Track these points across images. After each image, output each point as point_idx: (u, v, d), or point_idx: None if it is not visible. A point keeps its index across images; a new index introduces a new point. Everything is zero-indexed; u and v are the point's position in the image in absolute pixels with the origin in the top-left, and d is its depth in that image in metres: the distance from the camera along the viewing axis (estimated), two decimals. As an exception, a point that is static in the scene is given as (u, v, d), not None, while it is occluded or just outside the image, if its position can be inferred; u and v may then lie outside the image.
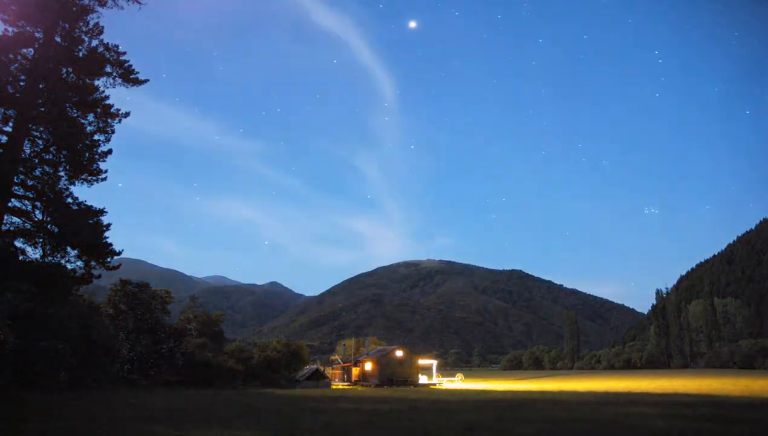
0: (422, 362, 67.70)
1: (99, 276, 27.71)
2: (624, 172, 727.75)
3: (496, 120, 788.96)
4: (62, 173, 25.83)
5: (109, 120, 26.79)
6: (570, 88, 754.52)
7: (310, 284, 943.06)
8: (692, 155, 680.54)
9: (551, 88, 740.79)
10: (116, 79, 27.07)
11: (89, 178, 26.28)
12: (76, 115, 26.18)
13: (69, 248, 25.65)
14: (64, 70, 25.90)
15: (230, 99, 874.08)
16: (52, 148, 25.42)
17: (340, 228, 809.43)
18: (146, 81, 28.12)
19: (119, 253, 27.52)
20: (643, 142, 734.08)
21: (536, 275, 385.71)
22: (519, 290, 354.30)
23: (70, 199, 25.72)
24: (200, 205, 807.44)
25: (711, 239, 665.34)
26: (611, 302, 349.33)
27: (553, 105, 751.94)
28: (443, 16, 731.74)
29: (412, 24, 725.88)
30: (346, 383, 63.92)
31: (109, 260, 27.13)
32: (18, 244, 25.08)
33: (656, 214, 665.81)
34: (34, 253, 25.45)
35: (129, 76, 27.34)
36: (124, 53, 27.15)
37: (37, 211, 25.24)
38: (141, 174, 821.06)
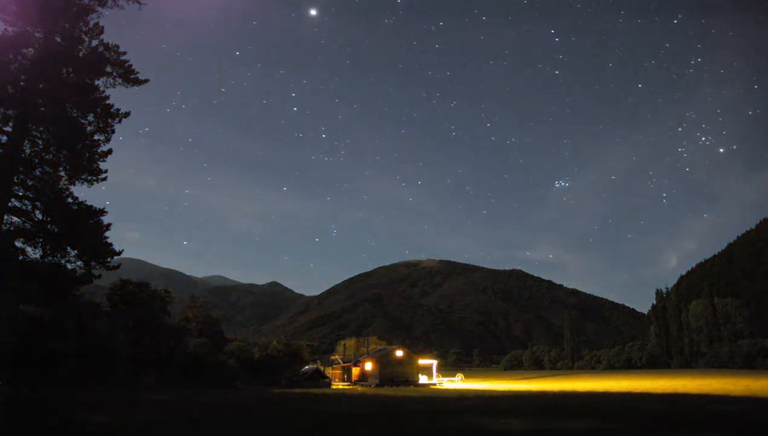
0: (422, 362, 67.69)
1: (99, 276, 27.73)
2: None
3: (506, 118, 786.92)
4: (62, 173, 25.86)
5: (109, 120, 26.80)
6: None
7: (310, 284, 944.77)
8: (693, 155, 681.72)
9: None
10: (116, 79, 27.08)
11: (89, 178, 26.30)
12: (76, 115, 26.18)
13: (69, 248, 25.67)
14: (64, 70, 25.90)
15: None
16: (52, 148, 25.44)
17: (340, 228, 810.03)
18: (146, 81, 28.13)
19: (119, 253, 27.54)
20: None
21: (536, 274, 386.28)
22: (519, 290, 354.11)
23: (70, 200, 25.74)
24: (202, 204, 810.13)
25: (711, 239, 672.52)
26: (611, 302, 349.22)
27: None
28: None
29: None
30: (346, 383, 63.91)
31: (109, 260, 27.14)
32: (18, 244, 25.09)
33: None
34: (34, 253, 25.48)
35: (129, 76, 27.34)
36: (125, 53, 27.16)
37: (37, 211, 25.25)
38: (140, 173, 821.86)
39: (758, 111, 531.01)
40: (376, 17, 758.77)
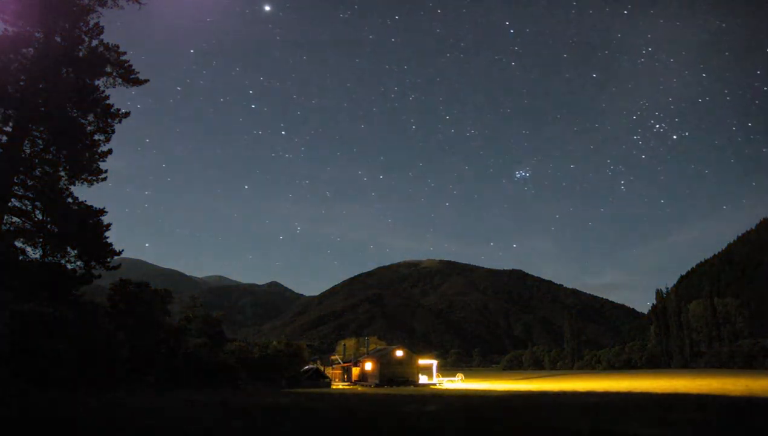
0: (422, 361, 67.67)
1: (99, 276, 27.73)
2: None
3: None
4: (62, 173, 25.84)
5: (109, 120, 26.79)
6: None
7: (310, 284, 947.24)
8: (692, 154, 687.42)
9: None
10: (116, 79, 27.08)
11: (89, 178, 26.29)
12: (76, 115, 26.18)
13: (69, 248, 25.67)
14: (64, 70, 25.90)
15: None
16: (52, 148, 25.42)
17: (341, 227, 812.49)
18: (146, 81, 28.14)
19: (119, 253, 27.55)
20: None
21: (536, 274, 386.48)
22: (519, 290, 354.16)
23: (70, 200, 25.73)
24: (202, 205, 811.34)
25: (711, 239, 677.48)
26: (611, 302, 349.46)
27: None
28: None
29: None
30: (346, 383, 63.91)
31: (109, 260, 27.15)
32: (18, 244, 25.08)
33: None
34: (34, 253, 25.46)
35: (129, 76, 27.35)
36: (125, 53, 27.16)
37: (37, 212, 25.24)
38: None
39: (707, 98, 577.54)
40: (330, 12, 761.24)
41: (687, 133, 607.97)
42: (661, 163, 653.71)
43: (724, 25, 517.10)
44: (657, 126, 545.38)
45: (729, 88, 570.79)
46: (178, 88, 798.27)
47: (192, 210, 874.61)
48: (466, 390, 42.29)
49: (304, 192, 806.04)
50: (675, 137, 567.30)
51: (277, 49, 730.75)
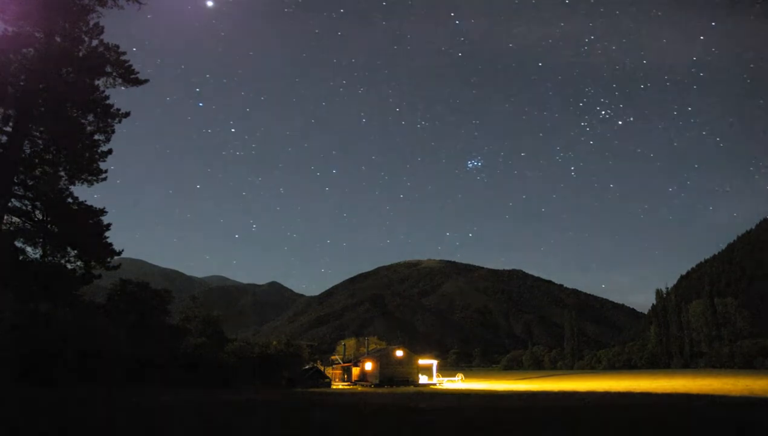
0: (422, 361, 67.63)
1: (99, 276, 27.75)
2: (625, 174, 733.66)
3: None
4: (62, 173, 25.85)
5: (109, 120, 26.81)
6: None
7: (310, 284, 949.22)
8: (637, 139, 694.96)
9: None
10: (116, 79, 27.10)
11: (89, 178, 26.31)
12: (76, 115, 26.19)
13: (69, 248, 25.68)
14: (64, 70, 25.91)
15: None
16: (52, 148, 25.44)
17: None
18: (146, 81, 28.15)
19: (119, 253, 27.56)
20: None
21: (536, 274, 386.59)
22: (519, 290, 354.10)
23: (70, 200, 25.75)
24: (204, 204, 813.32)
25: (711, 239, 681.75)
26: (611, 301, 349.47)
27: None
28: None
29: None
30: (346, 383, 63.92)
31: (109, 260, 27.16)
32: (18, 244, 25.09)
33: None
34: (34, 253, 25.47)
35: (129, 76, 27.36)
36: (125, 53, 27.18)
37: (37, 212, 25.25)
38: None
39: (650, 84, 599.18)
40: (275, 6, 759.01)
41: (631, 119, 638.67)
42: (608, 148, 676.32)
43: (660, 13, 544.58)
44: (603, 112, 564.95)
45: (668, 75, 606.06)
46: (122, 89, 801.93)
47: (189, 210, 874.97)
48: (469, 390, 42.27)
49: (257, 190, 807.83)
50: (620, 123, 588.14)
51: (221, 45, 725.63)
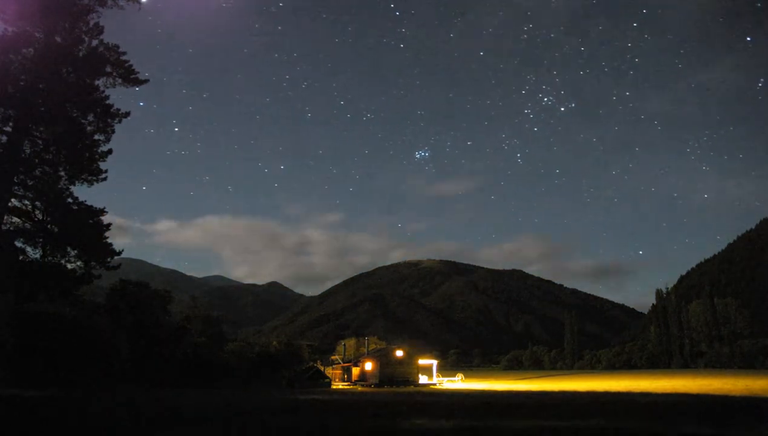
0: (422, 361, 67.63)
1: (99, 276, 27.75)
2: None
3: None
4: (62, 173, 25.86)
5: (109, 120, 26.81)
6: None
7: (310, 283, 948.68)
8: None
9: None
10: (116, 79, 27.10)
11: (89, 178, 26.32)
12: (76, 115, 26.20)
13: (69, 248, 25.69)
14: (64, 70, 25.91)
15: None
16: (52, 148, 25.45)
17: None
18: (146, 81, 28.17)
19: (119, 253, 27.57)
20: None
21: (536, 275, 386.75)
22: (519, 290, 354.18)
23: (70, 200, 25.75)
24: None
25: (711, 239, 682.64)
26: (611, 301, 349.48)
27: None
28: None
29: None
30: (346, 383, 63.94)
31: (109, 259, 27.17)
32: (18, 244, 25.09)
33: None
34: (34, 253, 25.48)
35: (129, 76, 27.37)
36: (125, 53, 27.18)
37: (37, 211, 25.25)
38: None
39: (588, 71, 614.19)
40: (212, 2, 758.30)
41: (573, 105, 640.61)
42: (552, 134, 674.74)
43: (594, 1, 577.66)
44: (545, 99, 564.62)
45: (605, 60, 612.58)
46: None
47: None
48: (468, 390, 42.28)
49: (207, 187, 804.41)
50: (562, 109, 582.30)
51: (159, 43, 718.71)
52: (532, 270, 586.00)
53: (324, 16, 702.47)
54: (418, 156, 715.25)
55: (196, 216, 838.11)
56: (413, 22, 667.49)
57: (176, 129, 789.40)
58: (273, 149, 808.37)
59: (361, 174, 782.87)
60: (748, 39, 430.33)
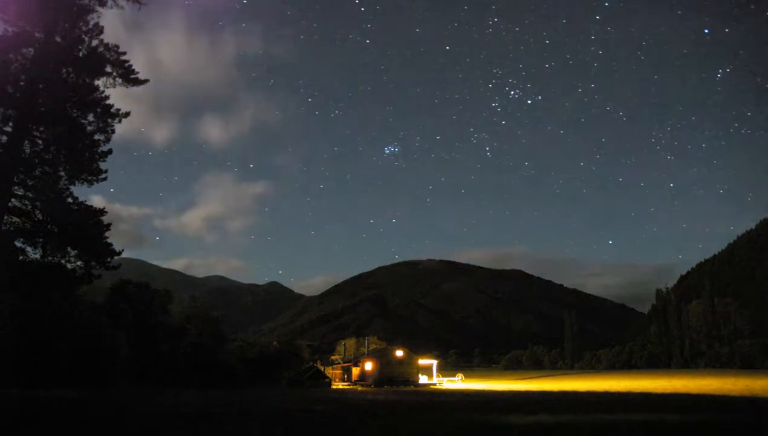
0: (422, 361, 67.63)
1: (99, 276, 27.73)
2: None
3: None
4: (62, 173, 25.84)
5: (109, 120, 26.78)
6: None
7: (310, 283, 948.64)
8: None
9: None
10: (116, 79, 27.05)
11: (89, 178, 26.29)
12: (76, 115, 26.16)
13: (69, 248, 25.67)
14: (64, 70, 25.88)
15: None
16: (52, 148, 25.42)
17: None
18: (146, 81, 28.12)
19: (119, 253, 27.55)
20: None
21: (536, 274, 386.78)
22: (519, 289, 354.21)
23: (70, 200, 25.74)
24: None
25: (711, 239, 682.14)
26: (611, 302, 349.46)
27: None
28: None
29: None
30: (346, 383, 63.94)
31: (109, 260, 27.15)
32: (18, 244, 25.08)
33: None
34: (34, 253, 25.46)
35: (129, 76, 27.32)
36: (125, 53, 27.14)
37: (37, 212, 25.24)
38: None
39: (554, 63, 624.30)
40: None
41: (540, 98, 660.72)
42: (520, 127, 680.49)
43: None
44: (512, 92, 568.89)
45: (570, 53, 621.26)
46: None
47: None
48: (468, 390, 42.27)
49: (173, 189, 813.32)
50: (529, 102, 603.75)
51: (126, 46, 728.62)
52: (513, 265, 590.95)
53: (289, 13, 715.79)
54: (387, 151, 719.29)
55: (171, 218, 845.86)
56: (378, 18, 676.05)
57: (142, 129, 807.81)
58: (244, 150, 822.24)
59: (331, 171, 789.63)
60: (706, 31, 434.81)
